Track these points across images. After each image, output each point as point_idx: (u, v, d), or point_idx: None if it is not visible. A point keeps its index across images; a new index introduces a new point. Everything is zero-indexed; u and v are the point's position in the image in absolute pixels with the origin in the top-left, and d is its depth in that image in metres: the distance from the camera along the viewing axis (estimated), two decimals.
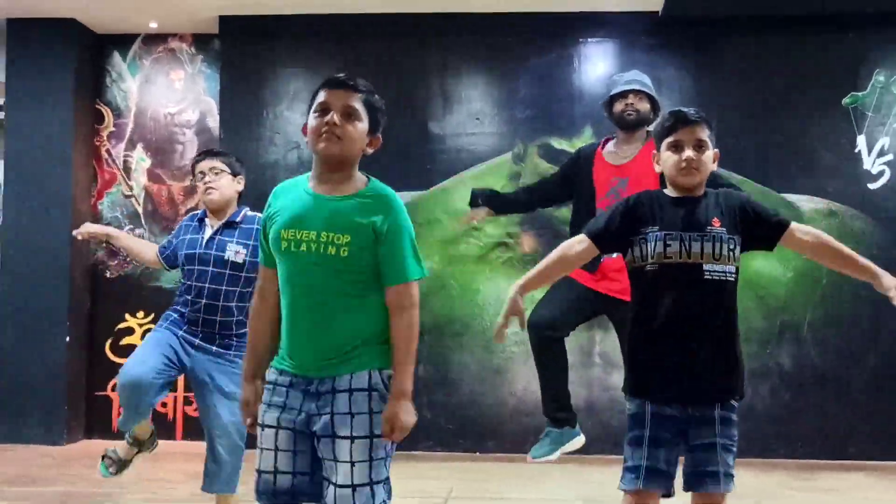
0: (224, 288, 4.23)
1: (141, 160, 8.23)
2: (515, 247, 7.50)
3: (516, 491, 5.76)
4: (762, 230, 3.25)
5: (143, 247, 4.75)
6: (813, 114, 7.47)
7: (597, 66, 7.63)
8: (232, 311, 4.25)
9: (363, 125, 2.86)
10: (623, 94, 4.95)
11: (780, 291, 7.37)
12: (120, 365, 7.52)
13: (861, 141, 7.39)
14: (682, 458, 3.20)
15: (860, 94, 7.42)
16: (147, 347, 4.24)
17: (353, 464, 2.69)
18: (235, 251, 4.28)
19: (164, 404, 7.98)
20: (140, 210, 8.20)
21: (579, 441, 4.87)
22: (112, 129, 8.27)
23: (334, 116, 2.80)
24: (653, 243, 3.16)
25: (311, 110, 2.86)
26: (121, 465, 4.61)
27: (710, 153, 3.25)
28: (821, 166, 7.43)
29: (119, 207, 8.22)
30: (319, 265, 2.75)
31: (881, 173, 7.36)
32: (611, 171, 4.82)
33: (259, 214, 3.78)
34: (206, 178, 4.34)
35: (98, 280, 8.19)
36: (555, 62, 7.65)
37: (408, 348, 2.82)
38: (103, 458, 4.62)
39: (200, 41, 8.22)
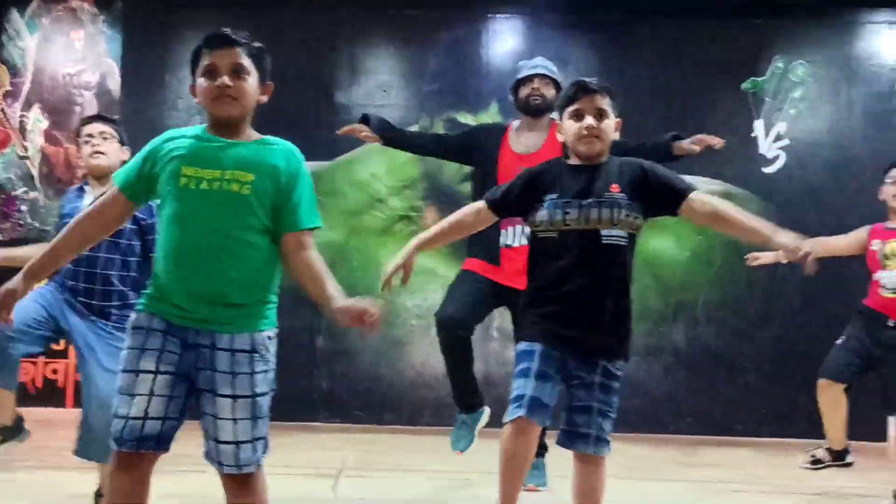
0: (102, 255, 4.01)
1: (38, 121, 8.01)
2: (419, 220, 7.50)
3: (413, 462, 5.78)
4: (664, 196, 3.26)
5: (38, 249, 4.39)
6: (713, 97, 7.62)
7: (505, 42, 7.65)
8: (111, 280, 4.03)
9: (253, 79, 2.84)
10: (529, 79, 4.97)
11: (676, 272, 7.52)
12: None
13: (758, 125, 7.56)
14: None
15: (759, 79, 7.58)
16: (23, 301, 4.03)
17: (236, 421, 2.71)
18: None
19: (55, 371, 7.83)
20: (35, 172, 7.99)
21: (487, 414, 4.90)
22: (8, 88, 8.03)
23: (225, 79, 2.77)
24: (552, 210, 3.22)
25: (198, 72, 2.82)
26: None
27: (612, 122, 3.30)
28: (719, 149, 7.55)
29: (13, 169, 8.00)
30: (219, 204, 2.71)
31: (776, 158, 7.54)
32: (515, 160, 4.73)
33: None
34: (94, 142, 4.15)
35: None
36: (463, 37, 7.65)
37: (328, 273, 2.82)
38: None
39: (101, 1, 8.02)
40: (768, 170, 7.55)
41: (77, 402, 7.78)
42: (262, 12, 7.65)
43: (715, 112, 7.61)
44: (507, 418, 3.24)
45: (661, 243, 7.49)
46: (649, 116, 7.58)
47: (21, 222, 7.93)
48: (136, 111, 7.62)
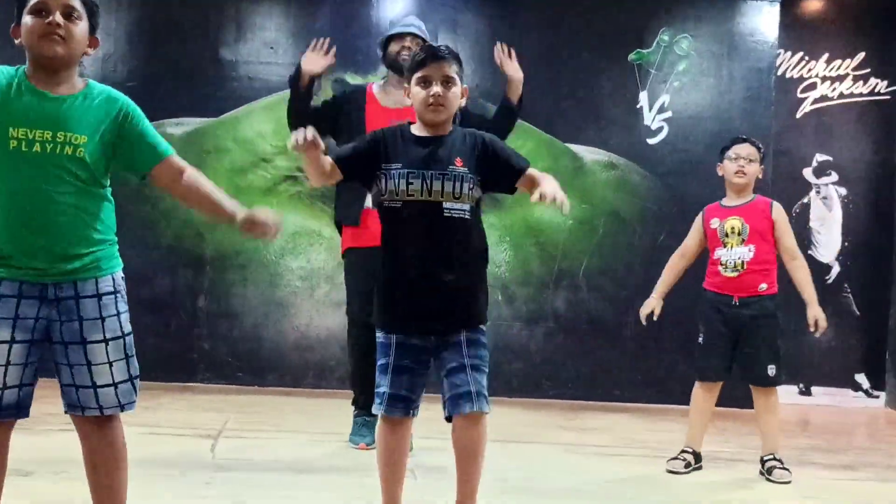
0: None
1: None
2: (304, 181, 7.41)
3: (293, 424, 5.76)
4: (501, 172, 3.31)
5: None
6: (601, 68, 7.70)
7: (395, 2, 7.59)
8: None
9: (84, 24, 2.76)
10: (401, 37, 5.01)
11: (559, 238, 7.61)
12: None
13: (643, 97, 7.68)
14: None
15: (645, 51, 7.69)
16: None
17: (111, 363, 2.76)
18: None
19: None
20: None
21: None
22: None
23: (57, 16, 2.69)
24: (396, 180, 3.21)
25: (26, 10, 2.72)
26: None
27: (458, 89, 3.29)
28: (604, 119, 7.69)
29: None
30: (54, 166, 2.67)
31: (660, 129, 7.68)
32: (384, 114, 4.76)
33: None
34: None
35: None
36: None
37: (216, 189, 2.97)
38: None
39: None
40: (652, 141, 7.69)
41: None
42: None
43: (601, 82, 7.70)
44: (374, 411, 3.33)
45: (544, 211, 7.56)
46: (536, 84, 7.62)
47: None
48: (7, 60, 7.30)
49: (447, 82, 3.25)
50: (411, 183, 3.19)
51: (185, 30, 7.45)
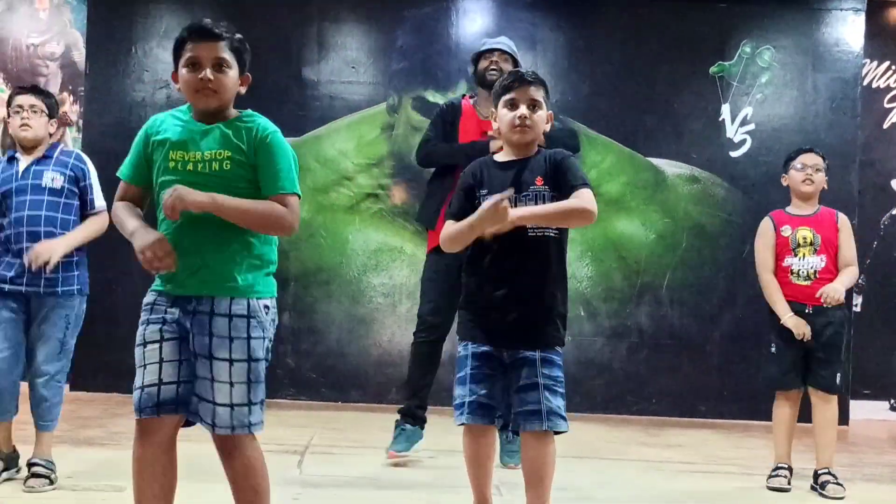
0: (44, 213, 4.21)
1: (0, 91, 7.91)
2: (386, 198, 7.50)
3: (377, 440, 5.80)
4: (560, 188, 3.30)
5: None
6: (682, 81, 7.65)
7: (474, 20, 7.64)
8: (54, 236, 4.19)
9: (234, 72, 2.96)
10: (489, 53, 5.16)
11: (642, 253, 7.56)
12: None
13: (725, 109, 7.61)
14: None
15: (727, 63, 7.62)
16: None
17: (231, 384, 2.83)
18: (52, 178, 4.28)
19: None
20: None
21: (422, 442, 5.09)
22: None
23: (207, 72, 2.89)
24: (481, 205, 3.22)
25: (181, 63, 2.94)
26: None
27: (544, 113, 3.37)
28: (686, 133, 7.63)
29: None
30: (205, 184, 2.83)
31: (743, 142, 7.60)
32: (479, 125, 5.02)
33: (75, 150, 4.43)
34: (24, 115, 4.29)
35: None
36: (432, 14, 7.62)
37: (255, 209, 2.88)
38: None
39: None
40: (735, 154, 7.61)
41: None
42: None
43: (683, 96, 7.65)
44: (456, 422, 3.37)
45: (626, 225, 7.54)
46: (616, 98, 7.62)
47: None
48: (101, 83, 7.53)
49: (533, 105, 3.33)
50: None
51: (267, 51, 7.55)
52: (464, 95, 5.40)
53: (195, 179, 2.85)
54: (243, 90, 3.00)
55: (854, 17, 7.61)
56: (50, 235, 4.17)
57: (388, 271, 7.50)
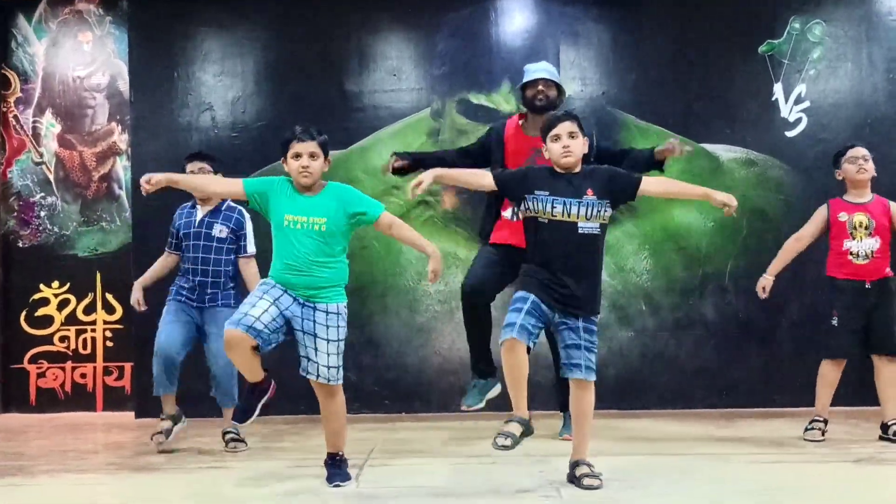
0: (213, 256, 5.83)
1: (50, 126, 8.01)
2: (437, 205, 7.43)
3: (437, 449, 5.72)
4: (624, 190, 4.54)
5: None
6: (731, 63, 7.46)
7: (514, 19, 7.54)
8: (219, 273, 5.83)
9: (321, 159, 4.55)
10: (534, 82, 5.82)
11: (702, 242, 7.39)
12: (35, 337, 7.44)
13: (778, 89, 7.40)
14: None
15: (776, 41, 7.42)
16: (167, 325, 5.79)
17: (328, 354, 4.49)
18: (220, 229, 5.85)
19: (83, 375, 7.86)
20: (52, 177, 7.99)
21: (497, 389, 5.79)
22: (19, 94, 8.03)
23: (305, 159, 4.48)
24: (544, 203, 4.44)
25: (289, 154, 4.52)
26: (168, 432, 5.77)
27: (580, 140, 4.49)
28: (739, 116, 7.44)
29: (30, 175, 8.01)
30: (308, 237, 4.47)
31: (798, 121, 7.39)
32: (527, 142, 5.70)
33: (239, 207, 5.91)
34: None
35: (10, 250, 7.98)
36: (471, 16, 7.55)
37: (417, 235, 4.91)
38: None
39: (108, 2, 8.00)
40: (791, 133, 7.40)
41: (106, 406, 7.82)
42: (266, 6, 7.60)
43: (733, 79, 7.46)
44: (501, 337, 4.31)
45: (684, 215, 7.37)
46: (665, 85, 7.46)
47: (41, 228, 7.93)
48: (146, 111, 7.57)
49: (572, 136, 4.48)
50: (555, 207, 4.41)
51: (309, 66, 7.56)
52: (510, 115, 6.19)
53: (301, 236, 4.52)
54: (327, 169, 4.60)
55: None
56: (216, 273, 5.83)
57: (443, 278, 7.40)
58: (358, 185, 7.39)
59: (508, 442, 4.42)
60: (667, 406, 7.20)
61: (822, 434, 5.72)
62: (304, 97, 7.51)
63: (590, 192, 4.40)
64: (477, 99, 7.36)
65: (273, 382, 4.72)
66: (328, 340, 4.46)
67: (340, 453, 4.74)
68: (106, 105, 7.99)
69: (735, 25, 7.45)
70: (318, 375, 4.48)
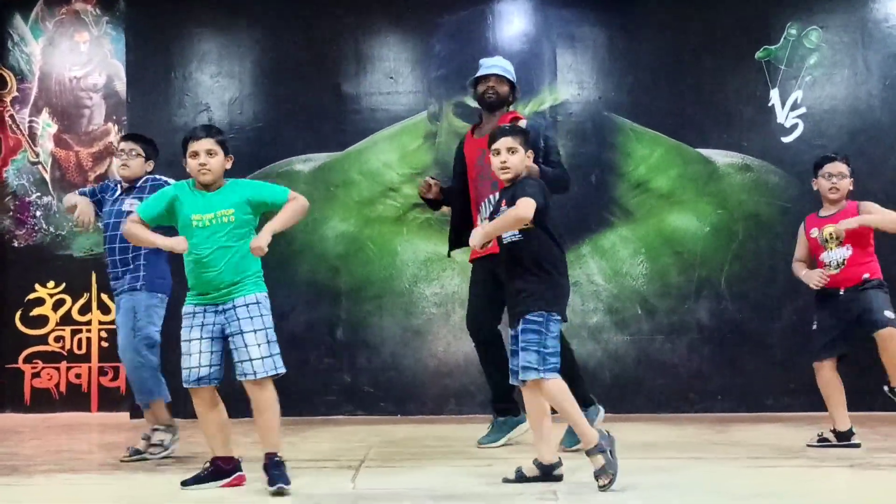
0: (120, 233, 5.14)
1: (47, 126, 8.00)
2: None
3: (433, 451, 5.72)
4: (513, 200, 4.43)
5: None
6: (727, 68, 7.49)
7: (511, 22, 7.56)
8: (127, 249, 5.42)
9: (220, 156, 4.49)
10: (486, 78, 5.70)
11: (697, 247, 7.41)
12: (30, 337, 7.42)
13: (774, 94, 7.43)
14: None
15: (773, 47, 7.45)
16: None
17: (257, 345, 4.39)
18: (130, 203, 5.37)
19: (77, 375, 7.86)
20: (48, 177, 7.99)
21: (523, 427, 5.53)
22: (15, 94, 8.03)
23: (203, 157, 4.43)
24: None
25: (187, 153, 4.46)
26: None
27: (520, 155, 4.46)
28: (735, 121, 7.46)
29: (25, 174, 8.00)
30: (217, 232, 4.42)
31: (794, 126, 7.42)
32: (476, 144, 5.58)
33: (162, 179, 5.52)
34: (122, 157, 5.58)
35: (6, 250, 7.97)
36: (468, 19, 7.57)
37: (288, 217, 4.50)
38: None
39: (105, 2, 8.00)
40: (787, 139, 7.43)
41: (101, 407, 7.82)
42: (264, 7, 7.61)
43: (730, 84, 7.49)
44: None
45: (680, 219, 7.39)
46: (662, 90, 7.48)
47: (36, 228, 7.93)
48: (142, 111, 7.58)
49: (511, 151, 4.45)
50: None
51: (305, 68, 7.57)
52: (474, 126, 5.89)
53: (209, 232, 4.44)
54: (229, 165, 4.50)
55: None
56: (124, 250, 5.47)
57: (439, 280, 7.43)
58: (355, 187, 7.46)
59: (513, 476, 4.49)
60: (661, 410, 7.22)
61: (822, 441, 5.65)
62: (301, 99, 7.52)
63: (504, 203, 4.44)
64: (474, 102, 7.34)
65: (241, 476, 4.52)
66: (254, 331, 4.37)
67: (279, 454, 4.44)
68: (102, 105, 7.99)
69: (732, 31, 7.48)
70: (254, 373, 4.34)
